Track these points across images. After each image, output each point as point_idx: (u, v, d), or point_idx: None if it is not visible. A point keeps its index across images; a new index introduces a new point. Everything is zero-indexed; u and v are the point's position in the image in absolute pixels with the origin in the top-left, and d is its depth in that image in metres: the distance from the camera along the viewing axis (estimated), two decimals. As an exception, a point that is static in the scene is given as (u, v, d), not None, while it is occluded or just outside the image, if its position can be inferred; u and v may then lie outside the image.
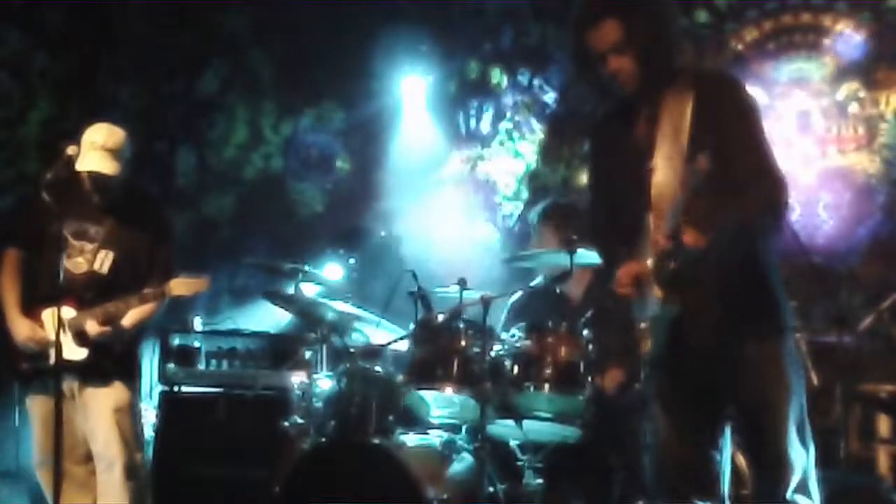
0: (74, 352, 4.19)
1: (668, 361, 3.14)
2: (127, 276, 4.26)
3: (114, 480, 4.17)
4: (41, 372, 4.16)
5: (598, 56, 3.11)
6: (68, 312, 4.17)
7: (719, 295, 3.03)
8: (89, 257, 4.26)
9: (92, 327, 4.17)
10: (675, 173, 2.98)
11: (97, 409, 4.23)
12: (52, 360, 4.02)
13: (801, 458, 3.07)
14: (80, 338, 4.20)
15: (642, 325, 3.12)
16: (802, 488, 3.07)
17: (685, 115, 3.01)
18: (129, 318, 4.26)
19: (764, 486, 3.14)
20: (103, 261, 4.27)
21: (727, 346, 3.06)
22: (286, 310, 5.33)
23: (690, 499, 3.16)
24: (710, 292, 3.02)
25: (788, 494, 3.05)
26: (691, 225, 2.90)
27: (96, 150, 4.17)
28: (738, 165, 2.97)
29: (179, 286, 4.18)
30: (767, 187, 3.02)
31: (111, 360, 4.27)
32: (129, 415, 4.27)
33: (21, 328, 4.22)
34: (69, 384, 4.22)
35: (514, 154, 7.15)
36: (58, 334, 3.94)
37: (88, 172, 4.16)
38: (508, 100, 7.17)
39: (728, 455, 3.21)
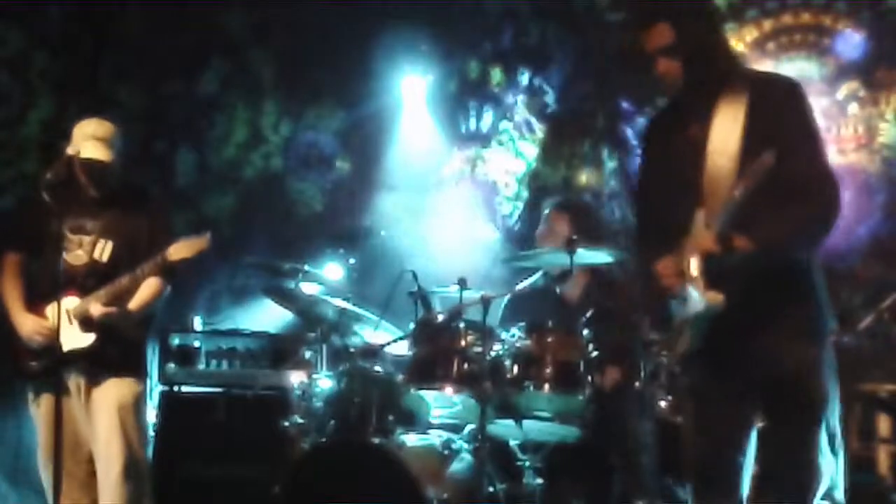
0: (81, 339, 4.20)
1: (706, 358, 3.16)
2: (127, 263, 4.27)
3: (113, 478, 4.17)
4: (47, 369, 4.15)
5: (648, 57, 3.19)
6: (71, 301, 4.20)
7: (762, 295, 3.04)
8: (88, 248, 4.28)
9: (96, 308, 4.18)
10: (728, 172, 3.00)
11: (102, 406, 4.22)
12: (65, 348, 4.06)
13: (830, 466, 3.08)
14: (86, 323, 4.21)
15: (678, 320, 3.13)
16: (829, 496, 3.09)
17: (739, 116, 3.03)
18: (136, 301, 4.27)
19: (790, 491, 3.12)
20: (102, 250, 4.30)
21: (766, 346, 3.06)
22: (286, 307, 5.33)
23: (709, 501, 3.17)
24: (753, 292, 3.03)
25: (815, 501, 3.06)
26: (745, 227, 2.93)
27: (88, 140, 4.21)
28: (796, 169, 2.98)
29: (179, 250, 4.18)
30: (828, 195, 3.05)
31: (118, 350, 4.27)
32: (133, 413, 4.26)
33: (26, 323, 4.23)
34: (75, 380, 4.23)
35: (514, 154, 7.15)
36: (58, 329, 3.95)
37: (84, 160, 4.18)
38: (508, 100, 7.17)
39: (751, 461, 3.21)
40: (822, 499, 3.07)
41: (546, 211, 5.15)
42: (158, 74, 7.04)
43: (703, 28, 3.16)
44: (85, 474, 4.26)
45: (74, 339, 4.20)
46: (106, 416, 4.21)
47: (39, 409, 4.25)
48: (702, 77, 3.14)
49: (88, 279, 4.24)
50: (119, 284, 4.20)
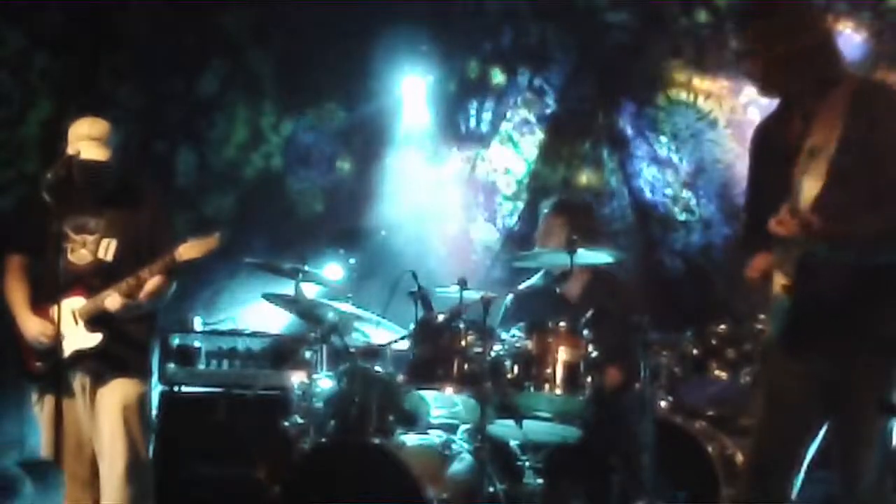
0: (88, 339, 4.21)
1: (781, 355, 3.21)
2: (131, 261, 4.27)
3: (115, 478, 4.17)
4: (53, 370, 4.15)
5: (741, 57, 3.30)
6: (76, 301, 4.19)
7: (847, 302, 3.07)
8: (92, 247, 4.29)
9: (114, 301, 4.17)
10: (819, 174, 3.02)
11: (106, 405, 4.23)
12: (65, 353, 4.06)
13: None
14: (94, 323, 4.21)
15: (762, 315, 3.18)
16: None
17: (838, 120, 3.05)
18: (144, 293, 4.26)
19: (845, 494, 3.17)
20: (107, 249, 4.31)
21: (843, 353, 3.09)
22: (286, 311, 5.33)
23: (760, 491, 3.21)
24: (839, 297, 3.07)
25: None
26: (825, 217, 2.95)
27: (84, 140, 4.21)
28: (886, 176, 3.02)
29: (189, 250, 4.20)
30: None
31: (124, 350, 4.27)
32: (137, 413, 4.27)
33: (31, 325, 4.23)
34: (81, 380, 4.24)
35: (514, 154, 7.15)
36: (58, 329, 3.95)
37: (81, 161, 4.18)
38: (508, 100, 7.16)
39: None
40: None
41: (544, 212, 5.15)
42: (158, 74, 7.03)
43: (790, 33, 3.18)
44: (88, 474, 4.27)
45: (81, 339, 4.20)
46: (110, 416, 4.21)
47: (43, 410, 4.25)
48: (801, 80, 3.19)
49: (94, 278, 4.25)
50: (134, 280, 4.20)
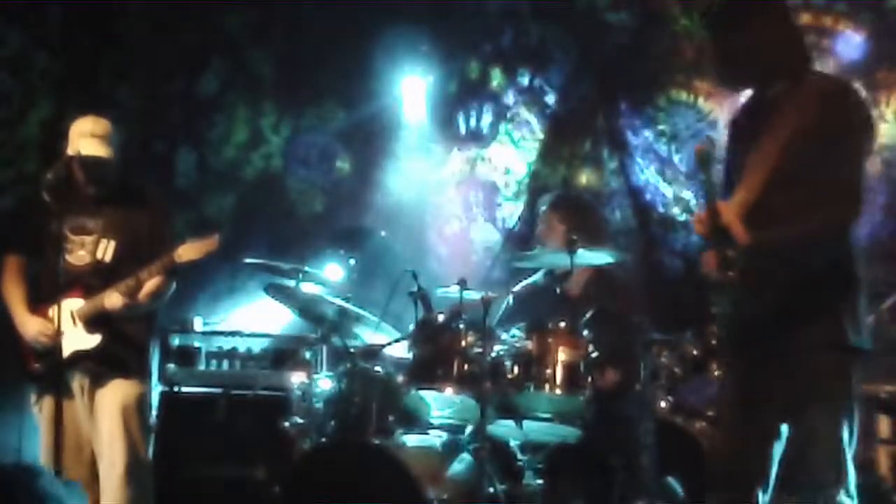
0: (87, 340, 4.21)
1: (731, 353, 3.26)
2: (130, 261, 4.26)
3: (115, 479, 4.17)
4: (52, 371, 4.15)
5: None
6: (75, 302, 4.19)
7: (783, 302, 3.09)
8: (91, 248, 4.28)
9: (113, 301, 4.17)
10: (762, 174, 3.03)
11: (105, 406, 4.22)
12: (64, 353, 4.05)
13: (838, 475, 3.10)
14: (93, 324, 4.21)
15: (714, 310, 3.19)
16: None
17: (794, 119, 3.06)
18: (144, 293, 4.25)
19: (805, 496, 3.15)
20: (105, 249, 4.29)
21: (782, 352, 3.12)
22: (287, 305, 5.33)
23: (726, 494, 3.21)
24: (774, 297, 3.09)
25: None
26: (750, 221, 2.98)
27: (86, 137, 4.21)
28: (822, 178, 3.03)
29: (188, 251, 4.18)
30: (842, 208, 3.07)
31: (123, 350, 4.27)
32: (137, 413, 4.26)
33: (30, 325, 4.22)
34: (80, 380, 4.23)
35: (514, 154, 7.15)
36: (58, 329, 3.95)
37: (82, 158, 4.18)
38: (508, 100, 7.17)
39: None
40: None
41: (542, 209, 5.15)
42: (158, 74, 7.04)
43: (764, 23, 3.20)
44: (88, 475, 4.26)
45: (80, 340, 4.20)
46: (110, 417, 4.20)
47: (42, 411, 4.25)
48: (759, 73, 3.23)
49: (93, 279, 4.24)
50: (133, 281, 4.19)
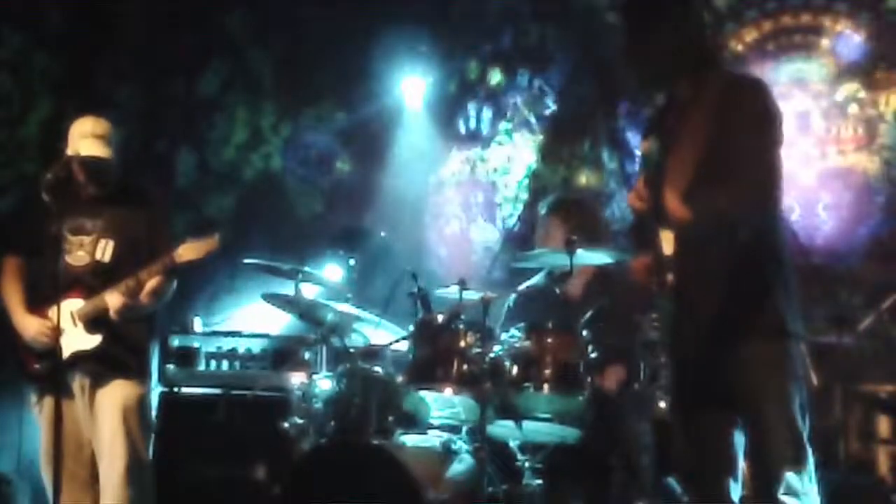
0: (87, 340, 4.20)
1: (673, 352, 3.25)
2: (129, 261, 4.26)
3: (115, 479, 4.17)
4: (52, 371, 4.14)
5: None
6: (75, 303, 4.19)
7: (719, 293, 3.09)
8: (89, 248, 4.27)
9: (114, 301, 4.16)
10: (685, 172, 3.05)
11: (105, 407, 4.21)
12: (64, 354, 4.05)
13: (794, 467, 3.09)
14: (93, 325, 4.20)
15: (654, 315, 3.19)
16: (791, 490, 3.09)
17: (705, 118, 3.08)
18: (145, 294, 4.25)
19: (758, 486, 3.15)
20: (104, 249, 4.29)
21: (723, 344, 3.10)
22: (286, 311, 5.33)
23: (712, 480, 3.20)
24: (709, 289, 3.09)
25: (778, 494, 3.06)
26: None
27: (87, 137, 4.22)
28: (732, 159, 3.06)
29: (188, 251, 4.18)
30: (755, 183, 3.09)
31: (123, 351, 4.27)
32: (137, 414, 4.26)
33: (29, 325, 4.22)
34: (80, 381, 4.23)
35: (513, 154, 7.15)
36: (57, 329, 3.94)
37: (83, 158, 4.18)
38: (508, 100, 7.17)
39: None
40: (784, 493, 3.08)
41: (542, 212, 5.15)
42: (158, 75, 7.04)
43: (677, 26, 3.22)
44: (88, 476, 4.26)
45: (80, 340, 4.19)
46: (110, 418, 4.20)
47: (42, 412, 4.25)
48: (667, 70, 3.24)
49: (92, 279, 4.24)
50: (127, 284, 4.19)
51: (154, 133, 7.06)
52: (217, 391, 5.65)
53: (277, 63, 7.28)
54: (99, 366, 4.23)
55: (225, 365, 5.80)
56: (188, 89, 7.15)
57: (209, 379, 5.73)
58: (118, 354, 4.25)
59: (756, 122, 3.14)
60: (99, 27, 6.78)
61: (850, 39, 6.14)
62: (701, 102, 3.14)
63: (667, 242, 3.09)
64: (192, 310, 6.25)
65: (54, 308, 4.03)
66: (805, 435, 3.10)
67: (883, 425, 5.27)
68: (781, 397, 3.08)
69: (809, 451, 3.10)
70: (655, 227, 3.12)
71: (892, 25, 6.10)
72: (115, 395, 4.23)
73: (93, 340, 4.21)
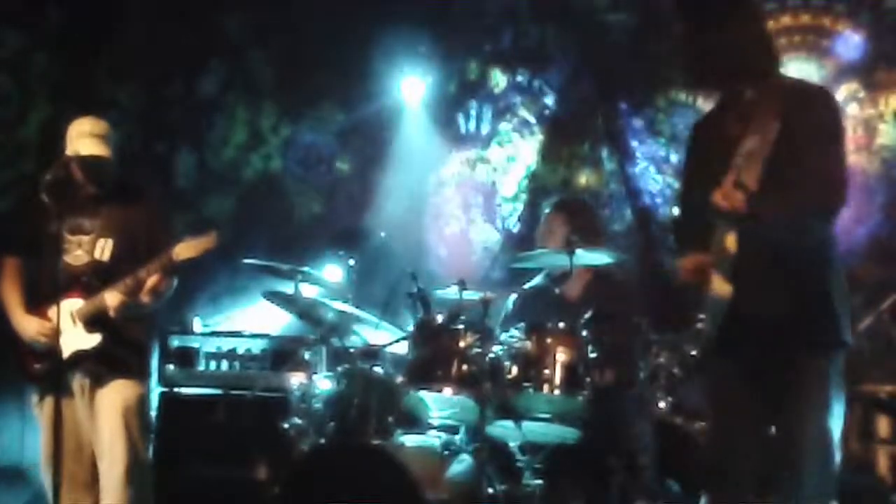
0: (87, 340, 4.20)
1: (720, 358, 3.25)
2: (128, 260, 4.25)
3: (115, 479, 4.17)
4: (52, 371, 4.14)
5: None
6: (74, 303, 4.19)
7: (777, 298, 3.11)
8: (88, 248, 4.27)
9: (115, 298, 4.15)
10: (755, 175, 3.05)
11: (106, 407, 4.21)
12: (64, 353, 4.05)
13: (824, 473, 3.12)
14: (93, 324, 4.20)
15: (702, 315, 3.20)
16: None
17: (774, 122, 3.07)
18: (146, 293, 4.24)
19: (787, 490, 3.17)
20: (103, 248, 4.28)
21: (777, 350, 3.13)
22: (286, 310, 5.33)
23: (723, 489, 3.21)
24: (772, 292, 3.11)
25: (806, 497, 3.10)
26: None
27: (86, 137, 4.22)
28: (806, 166, 3.09)
29: (186, 249, 4.17)
30: (828, 192, 3.13)
31: (123, 351, 4.26)
32: (137, 414, 4.25)
33: (29, 325, 4.21)
34: (80, 381, 4.22)
35: (513, 155, 7.15)
36: (57, 329, 3.94)
37: (83, 157, 4.19)
38: (508, 100, 7.16)
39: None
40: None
41: (545, 211, 5.16)
42: (158, 75, 7.04)
43: (735, 22, 3.22)
44: (88, 476, 4.26)
45: (79, 340, 4.19)
46: (110, 418, 4.20)
47: (43, 412, 4.25)
48: (731, 73, 3.24)
49: (91, 279, 4.23)
50: (126, 283, 4.18)
51: (154, 133, 7.06)
52: (217, 391, 5.65)
53: (277, 63, 7.27)
54: (99, 366, 4.23)
55: (225, 365, 5.80)
56: (188, 89, 7.15)
57: (209, 379, 5.72)
58: (118, 354, 4.25)
59: (830, 131, 3.17)
60: (99, 27, 6.77)
61: (849, 39, 6.14)
62: (767, 105, 3.12)
63: (729, 242, 3.09)
64: (192, 310, 6.25)
65: (54, 308, 4.03)
66: (836, 442, 3.12)
67: (882, 425, 5.27)
68: (824, 404, 3.11)
69: (838, 457, 3.13)
70: (723, 226, 3.11)
71: (892, 25, 6.11)
72: (116, 395, 4.22)
73: (92, 340, 4.21)
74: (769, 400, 3.17)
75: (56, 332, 3.99)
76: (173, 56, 6.99)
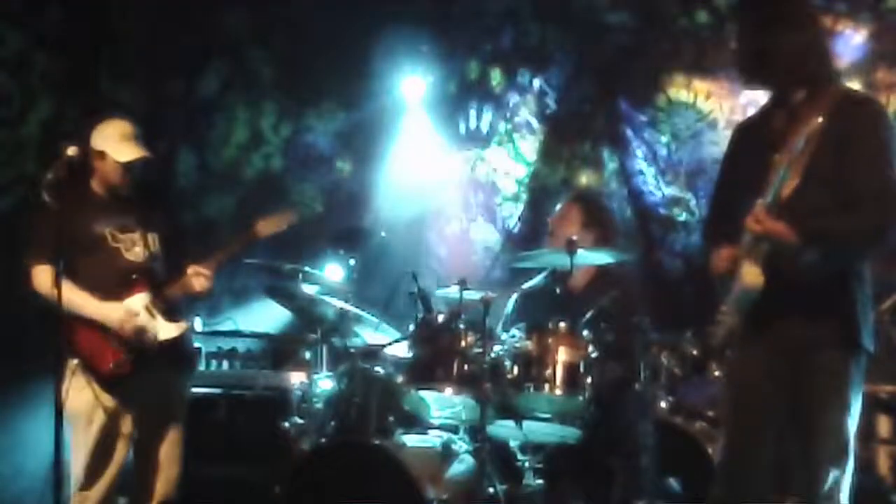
0: (170, 329, 4.20)
1: (743, 350, 3.27)
2: (168, 252, 4.30)
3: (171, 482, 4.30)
4: (137, 361, 4.10)
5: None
6: (143, 297, 4.17)
7: (804, 297, 3.12)
8: (142, 243, 4.26)
9: (202, 281, 4.16)
10: (797, 172, 3.06)
11: (176, 400, 4.35)
12: (157, 339, 4.10)
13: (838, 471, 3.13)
14: (170, 313, 4.21)
15: (724, 308, 3.22)
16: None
17: (822, 122, 3.06)
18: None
19: (801, 488, 3.19)
20: (154, 241, 4.30)
21: (799, 348, 3.15)
22: (287, 307, 5.33)
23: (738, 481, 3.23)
24: (797, 293, 3.12)
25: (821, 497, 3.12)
26: (793, 219, 3.02)
27: (128, 139, 4.26)
28: (856, 179, 3.08)
29: (268, 225, 4.26)
30: (882, 209, 3.11)
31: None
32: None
33: (113, 312, 4.09)
34: (159, 373, 4.21)
35: (514, 154, 7.15)
36: (138, 315, 4.00)
37: (131, 162, 4.23)
38: (508, 100, 7.17)
39: None
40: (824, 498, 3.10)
41: (563, 200, 5.18)
42: (158, 75, 7.04)
43: (794, 25, 3.24)
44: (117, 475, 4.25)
45: (164, 330, 4.18)
46: (175, 414, 4.35)
47: (91, 425, 4.11)
48: (786, 74, 3.25)
49: (153, 272, 4.24)
50: (216, 259, 4.20)
51: (154, 133, 7.04)
52: (217, 391, 5.65)
53: (277, 63, 7.27)
54: (178, 355, 4.28)
55: (225, 365, 5.80)
56: (188, 89, 7.15)
57: (209, 379, 5.72)
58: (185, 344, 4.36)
59: (876, 141, 3.15)
60: (99, 27, 6.77)
61: (850, 39, 6.14)
62: (815, 108, 3.12)
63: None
64: (192, 310, 6.24)
65: (128, 301, 4.07)
66: (851, 445, 3.14)
67: (883, 425, 5.27)
68: (842, 407, 3.13)
69: (852, 461, 3.14)
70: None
71: (892, 25, 6.10)
72: (181, 389, 4.36)
73: (177, 328, 4.22)
74: (787, 398, 3.17)
75: (140, 316, 4.04)
76: (173, 56, 7.00)
